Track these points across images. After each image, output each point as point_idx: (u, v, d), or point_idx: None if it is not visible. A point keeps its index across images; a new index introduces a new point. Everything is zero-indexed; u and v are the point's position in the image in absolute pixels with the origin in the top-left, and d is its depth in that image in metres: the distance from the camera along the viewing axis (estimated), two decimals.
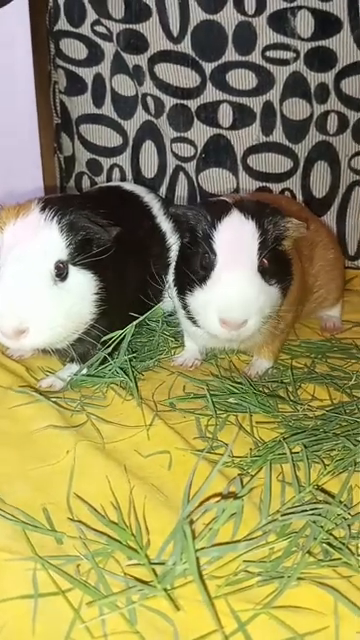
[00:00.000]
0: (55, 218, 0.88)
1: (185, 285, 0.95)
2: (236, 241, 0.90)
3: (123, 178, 1.56)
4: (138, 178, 1.54)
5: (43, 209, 0.89)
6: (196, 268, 0.93)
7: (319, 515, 0.66)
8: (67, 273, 0.89)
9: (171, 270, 1.11)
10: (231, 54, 1.43)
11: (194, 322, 0.95)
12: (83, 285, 0.91)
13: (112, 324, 0.97)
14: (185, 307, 0.96)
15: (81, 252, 0.90)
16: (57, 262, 0.87)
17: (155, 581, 0.58)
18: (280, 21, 1.40)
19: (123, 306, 1.00)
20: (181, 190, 1.54)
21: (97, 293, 0.92)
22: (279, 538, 0.64)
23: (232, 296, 0.87)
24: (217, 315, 0.87)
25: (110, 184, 1.46)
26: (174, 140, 1.50)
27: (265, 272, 0.90)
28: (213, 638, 0.55)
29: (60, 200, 0.94)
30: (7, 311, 0.83)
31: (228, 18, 1.41)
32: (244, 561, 0.62)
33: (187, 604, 0.58)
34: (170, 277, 1.10)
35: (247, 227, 0.91)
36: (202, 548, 0.62)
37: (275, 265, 0.93)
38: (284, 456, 0.76)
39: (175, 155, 1.51)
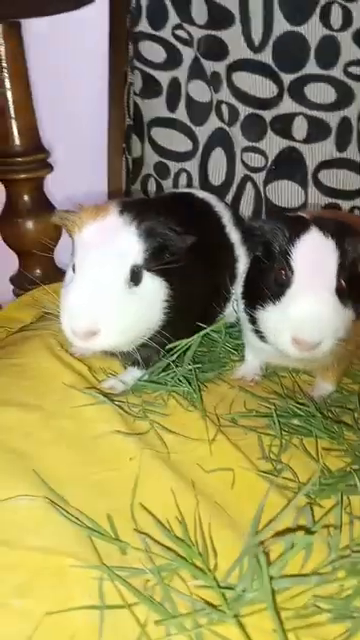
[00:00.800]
0: (134, 222, 0.88)
1: (256, 299, 0.93)
2: (315, 260, 0.88)
3: (190, 184, 1.55)
4: (205, 185, 1.53)
5: (122, 212, 0.89)
6: (270, 284, 0.91)
7: None
8: (141, 278, 0.88)
9: (239, 282, 1.10)
10: (312, 67, 1.41)
11: (262, 338, 0.94)
12: (155, 291, 0.90)
13: (177, 332, 0.96)
14: (253, 322, 0.95)
15: (155, 258, 0.89)
16: (133, 266, 0.87)
17: (225, 606, 0.56)
18: None
19: (189, 315, 0.99)
20: (247, 200, 1.53)
21: (166, 300, 0.92)
22: (349, 575, 0.62)
23: (308, 317, 0.85)
24: (290, 334, 0.85)
25: (182, 190, 1.45)
26: (245, 149, 1.48)
27: (342, 294, 0.88)
28: None
29: (138, 204, 0.94)
30: (81, 312, 0.83)
31: (312, 31, 1.39)
32: (314, 596, 0.60)
33: (254, 633, 0.56)
34: (238, 289, 1.09)
35: (327, 246, 0.89)
36: (273, 577, 0.60)
37: (351, 287, 0.90)
38: (353, 488, 0.74)
39: (245, 164, 1.50)
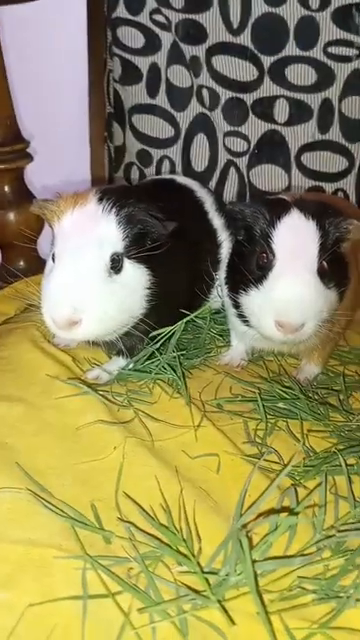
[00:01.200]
0: (113, 209, 0.87)
1: (239, 284, 0.92)
2: (296, 242, 0.87)
3: (173, 170, 1.54)
4: (188, 171, 1.52)
5: (101, 199, 0.88)
6: (252, 267, 0.90)
7: None
8: (122, 266, 0.87)
9: (222, 268, 1.09)
10: (291, 49, 1.40)
11: (245, 322, 0.93)
12: (136, 279, 0.89)
13: (161, 319, 0.95)
14: (237, 306, 0.94)
15: (136, 245, 0.88)
16: (113, 254, 0.86)
17: (208, 591, 0.56)
18: (344, 17, 1.36)
19: (173, 302, 0.98)
20: (231, 185, 1.51)
21: (149, 287, 0.91)
22: (334, 555, 0.62)
23: (290, 299, 0.84)
24: (273, 317, 0.85)
25: (164, 177, 1.43)
26: (227, 134, 1.47)
27: (324, 275, 0.87)
28: None
29: (118, 191, 0.92)
30: (61, 301, 0.83)
31: (291, 12, 1.38)
32: (298, 577, 0.59)
33: (238, 618, 0.56)
34: (221, 275, 1.08)
35: (308, 228, 0.88)
36: (256, 560, 0.60)
37: (334, 268, 0.90)
38: (338, 468, 0.74)
39: (227, 149, 1.48)
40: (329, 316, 0.89)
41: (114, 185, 1.17)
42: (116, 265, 0.87)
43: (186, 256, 1.05)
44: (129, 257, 0.88)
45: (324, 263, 0.88)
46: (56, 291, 0.83)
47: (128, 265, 0.88)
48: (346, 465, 0.73)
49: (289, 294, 0.85)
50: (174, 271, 0.98)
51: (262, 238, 0.89)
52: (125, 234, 0.87)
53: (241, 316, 0.94)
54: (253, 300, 0.89)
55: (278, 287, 0.85)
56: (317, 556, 0.61)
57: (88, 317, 0.83)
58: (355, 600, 0.57)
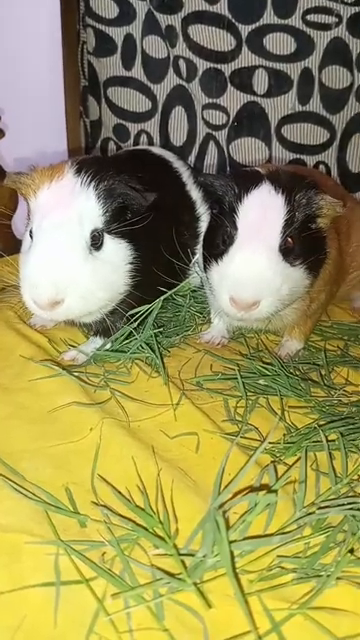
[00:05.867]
0: (92, 183, 0.83)
1: (208, 259, 0.90)
2: (259, 217, 0.85)
3: (151, 145, 1.50)
4: (166, 145, 1.48)
5: (78, 172, 0.84)
6: (218, 242, 0.88)
7: (358, 510, 0.61)
8: (102, 242, 0.84)
9: (200, 242, 1.07)
10: (269, 17, 1.36)
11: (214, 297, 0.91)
12: (118, 254, 0.86)
13: (146, 294, 0.92)
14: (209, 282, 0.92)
15: (117, 219, 0.85)
16: (93, 231, 0.83)
17: (184, 574, 0.54)
18: None
19: (156, 276, 0.95)
20: (210, 159, 1.48)
21: (131, 263, 0.88)
22: (315, 532, 0.60)
23: (243, 275, 0.82)
24: (228, 293, 0.83)
25: (137, 148, 1.39)
26: (205, 107, 1.43)
27: (289, 252, 0.85)
28: (246, 638, 0.51)
29: (95, 162, 0.88)
30: (43, 282, 0.80)
31: None
32: (278, 556, 0.58)
33: (217, 600, 0.54)
34: (199, 250, 1.05)
35: (274, 202, 0.85)
36: (234, 541, 0.58)
37: (303, 245, 0.86)
38: (319, 444, 0.72)
39: (206, 122, 1.45)
40: (295, 294, 0.86)
41: (89, 156, 1.13)
42: (97, 242, 0.84)
43: (165, 229, 1.02)
44: (109, 232, 0.85)
45: (289, 239, 0.85)
46: (36, 271, 0.80)
47: (109, 241, 0.85)
48: (327, 441, 0.72)
49: (243, 270, 0.82)
50: (155, 245, 0.95)
51: (229, 212, 0.87)
52: (105, 209, 0.84)
53: (211, 292, 0.91)
54: (213, 275, 0.87)
55: (233, 262, 0.83)
56: (297, 534, 0.59)
57: (71, 296, 0.81)
58: (336, 579, 0.55)
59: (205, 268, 0.92)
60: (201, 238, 1.07)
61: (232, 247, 0.84)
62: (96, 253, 0.84)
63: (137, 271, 0.88)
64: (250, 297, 0.82)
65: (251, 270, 0.82)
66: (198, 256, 1.04)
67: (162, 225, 0.99)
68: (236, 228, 0.85)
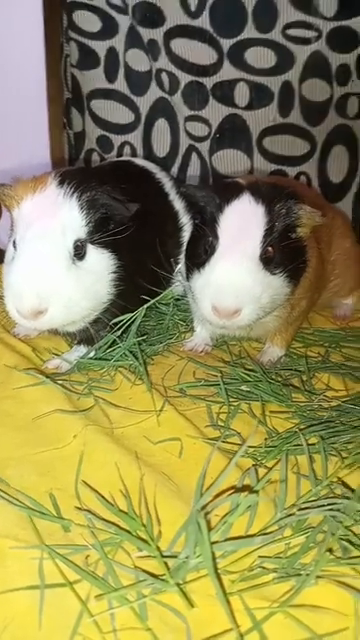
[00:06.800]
0: (75, 194, 0.85)
1: (190, 269, 0.92)
2: (240, 226, 0.87)
3: (134, 156, 1.52)
4: (149, 157, 1.50)
5: (61, 183, 0.86)
6: (200, 252, 0.90)
7: (337, 510, 0.63)
8: (85, 252, 0.85)
9: (183, 252, 1.08)
10: (250, 31, 1.38)
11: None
12: (101, 264, 0.88)
13: (128, 304, 0.94)
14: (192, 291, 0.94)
15: (100, 230, 0.87)
16: (76, 241, 0.84)
17: (167, 575, 0.55)
18: None
19: (139, 285, 0.97)
20: (193, 171, 1.50)
21: (115, 272, 0.89)
22: (295, 533, 0.62)
23: (224, 284, 0.84)
24: (210, 301, 0.85)
25: (120, 159, 1.41)
26: (188, 119, 1.45)
27: (269, 261, 0.87)
28: (227, 637, 0.52)
29: (78, 174, 0.90)
30: (26, 291, 0.81)
31: None
32: (259, 556, 0.59)
33: (199, 600, 0.55)
34: (182, 259, 1.07)
35: (254, 212, 0.87)
36: (216, 542, 0.59)
37: (283, 254, 0.89)
38: (300, 447, 0.74)
39: (188, 134, 1.47)
40: (275, 302, 0.88)
41: (73, 168, 1.15)
42: (80, 252, 0.85)
43: (148, 239, 1.03)
44: (92, 242, 0.86)
45: (269, 249, 0.87)
46: (20, 280, 0.81)
47: (92, 251, 0.86)
48: (307, 444, 0.73)
49: (224, 279, 0.84)
50: (139, 254, 0.96)
51: (210, 222, 0.88)
52: (88, 219, 0.85)
53: (194, 301, 0.93)
54: (195, 284, 0.89)
55: (215, 271, 0.85)
56: (278, 534, 0.61)
57: (54, 306, 0.82)
58: (315, 577, 0.56)
59: (188, 277, 0.93)
60: (184, 247, 1.09)
61: (213, 256, 0.86)
62: (79, 263, 0.85)
63: (120, 280, 0.90)
64: (231, 305, 0.83)
65: (232, 279, 0.84)
66: (181, 265, 1.06)
67: (145, 235, 1.01)
68: (217, 237, 0.86)
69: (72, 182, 0.86)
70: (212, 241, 0.87)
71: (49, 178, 0.87)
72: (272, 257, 0.86)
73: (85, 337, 0.94)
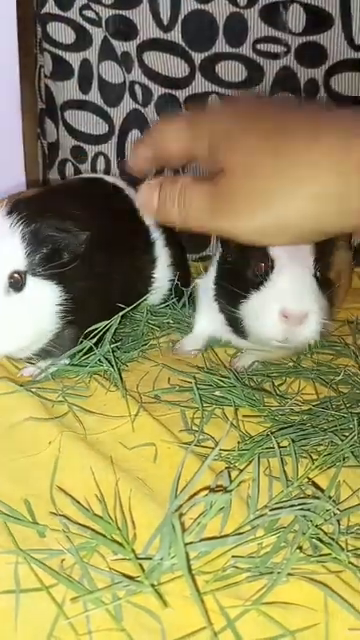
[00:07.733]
0: (20, 225, 0.85)
1: (237, 296, 0.93)
2: (292, 249, 0.89)
3: (108, 167, 1.53)
4: (123, 168, 1.52)
5: (10, 213, 0.86)
6: (248, 277, 0.92)
7: (308, 510, 0.65)
8: (23, 284, 0.85)
9: (159, 266, 1.11)
10: (221, 45, 1.42)
11: (243, 335, 0.96)
12: (42, 296, 0.87)
13: (82, 331, 0.94)
14: (233, 323, 0.97)
15: (46, 262, 0.86)
16: (12, 272, 0.84)
17: (142, 577, 0.56)
18: (272, 14, 1.40)
19: (98, 313, 0.96)
20: None
21: (61, 304, 0.89)
22: (267, 533, 0.63)
23: (295, 287, 0.88)
24: (277, 309, 0.87)
25: (91, 175, 1.43)
26: None
27: (320, 282, 0.91)
28: (201, 635, 0.53)
29: (30, 203, 0.90)
30: None
31: (219, 9, 1.40)
32: (233, 556, 0.60)
33: (174, 600, 0.56)
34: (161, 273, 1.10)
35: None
36: (190, 543, 0.60)
37: (326, 278, 0.95)
38: (271, 450, 0.75)
39: None
40: (327, 323, 0.91)
41: (32, 192, 1.14)
42: (16, 284, 0.84)
43: (117, 257, 1.03)
44: (35, 274, 0.86)
45: (319, 273, 0.92)
46: None
47: (33, 283, 0.86)
48: (279, 447, 0.75)
49: (293, 283, 0.88)
50: (94, 282, 0.95)
51: (251, 250, 0.90)
52: (29, 251, 0.85)
53: (239, 330, 0.96)
54: (254, 302, 0.91)
55: (282, 280, 0.88)
56: (251, 535, 0.62)
57: None
58: (287, 575, 0.58)
59: (233, 307, 0.94)
60: (158, 262, 1.13)
61: (274, 271, 0.89)
62: (17, 294, 0.85)
63: (69, 312, 0.89)
64: (303, 307, 0.87)
65: (302, 282, 0.88)
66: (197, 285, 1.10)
67: (113, 253, 1.01)
68: (270, 259, 0.89)
69: (20, 213, 0.86)
70: (263, 265, 0.90)
71: (1, 206, 0.87)
72: (321, 278, 0.91)
73: (43, 354, 0.93)
